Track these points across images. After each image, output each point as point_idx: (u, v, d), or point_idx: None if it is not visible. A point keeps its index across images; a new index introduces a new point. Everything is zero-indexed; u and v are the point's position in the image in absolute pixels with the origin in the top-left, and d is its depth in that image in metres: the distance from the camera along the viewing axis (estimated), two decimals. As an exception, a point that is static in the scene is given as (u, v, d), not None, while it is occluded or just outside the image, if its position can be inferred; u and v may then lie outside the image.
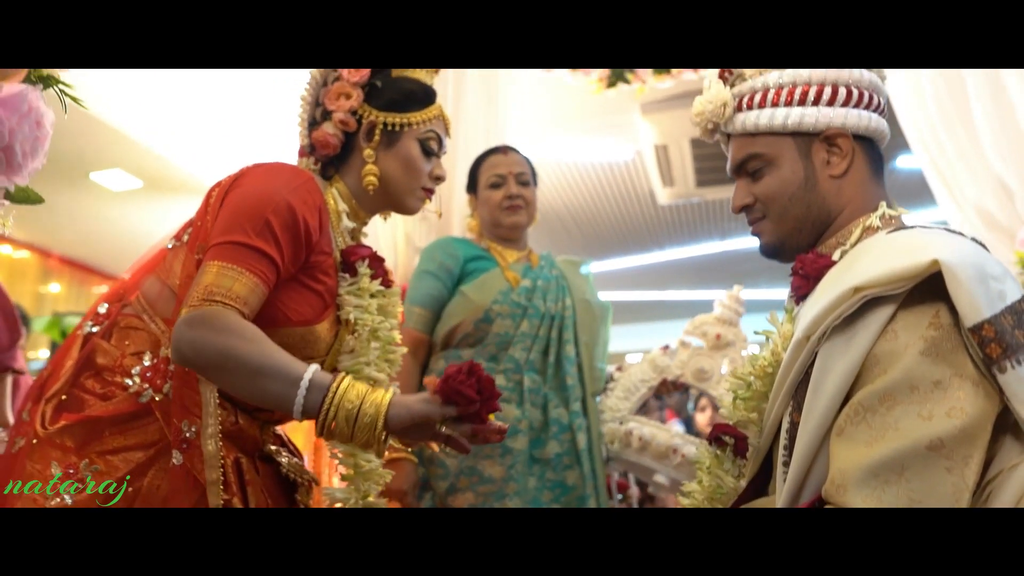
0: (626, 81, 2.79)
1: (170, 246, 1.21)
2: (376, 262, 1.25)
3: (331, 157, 1.25)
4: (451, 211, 2.37)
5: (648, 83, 2.85)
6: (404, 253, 2.36)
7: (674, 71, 2.80)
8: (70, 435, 1.05)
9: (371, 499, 1.20)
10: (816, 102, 1.03)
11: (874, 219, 1.04)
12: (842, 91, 1.03)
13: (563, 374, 1.84)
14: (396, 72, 1.25)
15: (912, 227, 0.98)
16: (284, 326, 1.14)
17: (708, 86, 1.11)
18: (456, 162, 2.42)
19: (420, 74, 1.28)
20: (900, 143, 2.20)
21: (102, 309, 1.19)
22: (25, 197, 0.80)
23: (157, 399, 1.08)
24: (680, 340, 1.91)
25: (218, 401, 1.11)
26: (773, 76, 1.06)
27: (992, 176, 1.88)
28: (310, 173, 1.22)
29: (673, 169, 4.39)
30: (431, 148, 1.25)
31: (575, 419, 1.81)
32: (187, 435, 1.06)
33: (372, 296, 1.23)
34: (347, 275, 1.22)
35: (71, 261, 4.62)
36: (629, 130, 4.06)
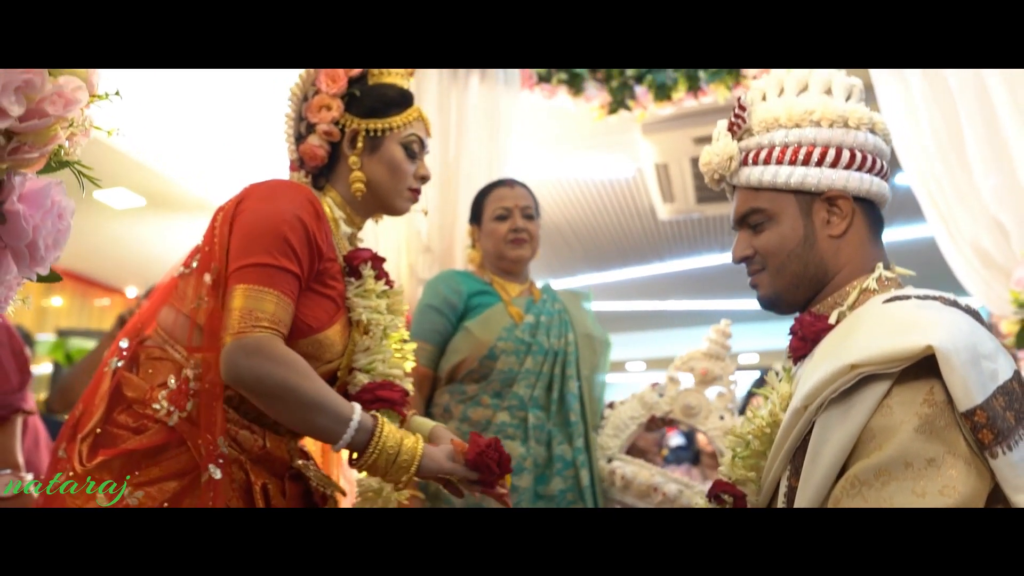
0: (627, 108, 2.81)
1: (179, 274, 1.25)
2: (378, 262, 1.32)
3: (320, 168, 1.31)
4: (454, 240, 2.40)
5: (649, 109, 2.87)
6: (408, 284, 2.38)
7: (674, 97, 2.82)
8: (108, 470, 1.09)
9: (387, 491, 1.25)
10: (819, 163, 1.06)
11: (871, 281, 1.07)
12: (845, 154, 1.06)
13: (566, 410, 1.86)
14: (373, 79, 1.31)
15: (908, 297, 1.00)
16: (307, 335, 1.19)
17: (717, 137, 1.13)
18: (459, 183, 2.45)
19: (396, 78, 1.34)
20: (898, 166, 2.22)
21: (124, 344, 1.23)
22: (44, 277, 0.82)
23: (182, 417, 1.13)
24: (668, 376, 1.93)
25: (245, 425, 1.17)
26: (779, 134, 1.09)
27: (988, 216, 1.90)
28: (306, 186, 1.27)
29: (674, 186, 4.42)
30: (413, 150, 1.31)
31: (578, 455, 1.83)
32: (224, 450, 1.11)
33: (379, 296, 1.29)
34: (352, 279, 1.28)
35: (73, 274, 4.65)
36: (630, 149, 4.09)
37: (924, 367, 0.87)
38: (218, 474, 1.09)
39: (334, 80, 1.29)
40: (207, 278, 1.17)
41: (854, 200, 1.07)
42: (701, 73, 2.73)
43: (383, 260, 1.33)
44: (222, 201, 1.26)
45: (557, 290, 2.05)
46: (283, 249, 1.14)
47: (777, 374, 1.12)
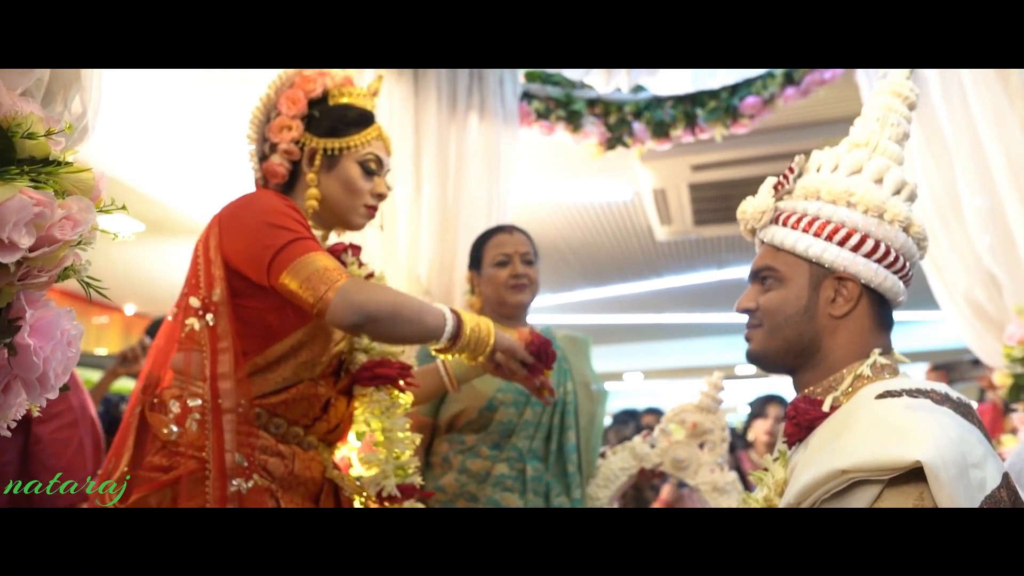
0: (625, 145, 2.83)
1: (172, 315, 1.30)
2: (356, 251, 1.41)
3: (282, 186, 1.37)
4: (453, 283, 2.41)
5: (647, 144, 2.89)
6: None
7: (672, 134, 2.84)
8: (143, 505, 1.15)
9: (403, 458, 1.32)
10: (841, 243, 1.08)
11: (865, 368, 1.08)
12: (869, 242, 1.07)
13: (564, 461, 1.87)
14: (333, 100, 1.37)
15: (900, 393, 1.01)
16: (310, 320, 1.26)
17: (761, 192, 1.16)
18: (459, 226, 2.46)
19: (357, 99, 1.40)
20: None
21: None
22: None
23: (182, 431, 1.19)
24: (660, 428, 1.94)
25: (275, 451, 1.23)
26: (814, 206, 1.10)
27: (982, 269, 1.92)
28: (274, 191, 1.35)
29: (671, 210, 4.44)
30: (370, 168, 1.36)
31: (576, 507, 1.84)
32: (242, 463, 1.17)
33: (365, 279, 1.36)
34: None
35: (71, 294, 4.68)
36: (628, 174, 4.11)
37: (914, 472, 0.89)
38: (245, 487, 1.15)
39: (294, 102, 1.35)
40: (193, 301, 1.24)
41: (864, 288, 1.08)
42: (699, 111, 2.75)
43: (360, 248, 1.42)
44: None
45: (557, 335, 2.06)
46: (291, 225, 1.22)
47: (774, 458, 1.14)
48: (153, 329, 2.85)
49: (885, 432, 0.93)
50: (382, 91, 2.47)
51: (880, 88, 1.15)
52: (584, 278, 6.31)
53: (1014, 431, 1.85)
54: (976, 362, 2.15)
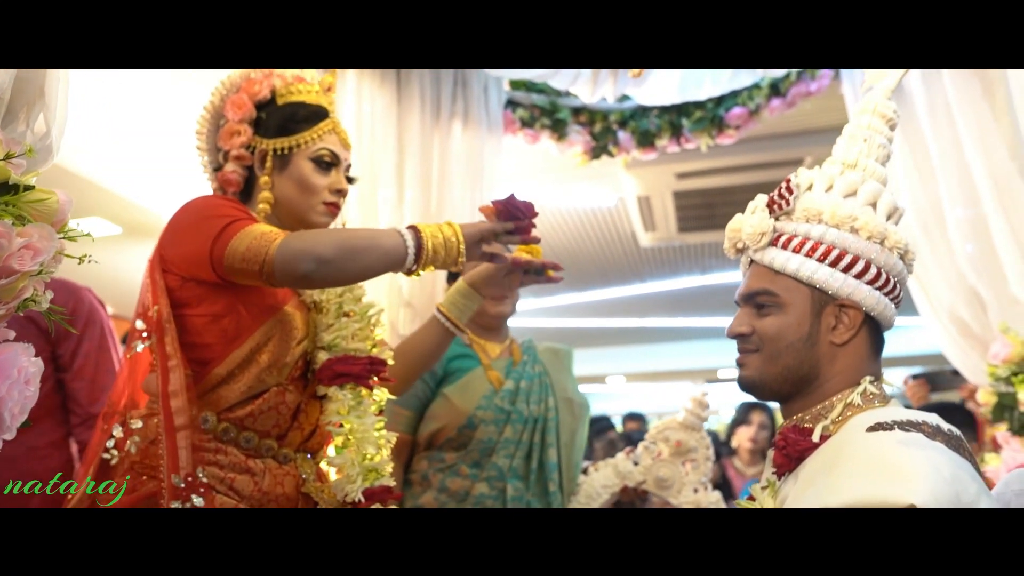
0: (610, 154, 2.81)
1: (131, 354, 1.28)
2: None
3: (238, 193, 1.35)
4: (435, 295, 2.37)
5: (632, 153, 2.87)
6: (389, 340, 2.35)
7: (658, 144, 2.82)
8: None
9: (367, 462, 1.25)
10: (846, 270, 1.06)
11: (855, 397, 1.06)
12: (873, 269, 1.06)
13: (545, 479, 1.84)
14: (281, 99, 1.34)
15: (891, 426, 0.99)
16: (271, 315, 1.24)
17: (753, 210, 1.13)
18: (443, 218, 2.41)
19: (308, 96, 1.36)
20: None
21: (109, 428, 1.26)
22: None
23: (123, 455, 1.17)
24: (643, 446, 1.91)
25: (244, 468, 1.20)
26: (818, 230, 1.08)
27: (966, 287, 1.92)
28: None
29: (655, 217, 4.43)
30: (325, 162, 1.33)
31: (557, 526, 1.82)
32: (203, 479, 1.15)
33: None
34: None
35: (47, 296, 4.62)
36: (613, 180, 4.09)
37: None
38: (200, 502, 1.12)
39: (239, 107, 1.32)
40: (139, 324, 1.23)
41: (864, 315, 1.07)
42: (684, 121, 2.73)
43: None
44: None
45: (538, 347, 2.04)
46: (224, 211, 1.20)
47: (763, 488, 1.12)
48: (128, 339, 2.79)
49: (878, 470, 0.91)
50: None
51: (864, 107, 1.14)
52: (567, 283, 6.29)
53: (997, 449, 1.85)
54: (958, 372, 2.15)
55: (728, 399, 9.54)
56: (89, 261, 0.92)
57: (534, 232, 1.30)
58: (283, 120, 1.32)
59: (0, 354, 0.70)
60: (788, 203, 1.11)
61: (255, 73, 1.34)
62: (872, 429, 0.99)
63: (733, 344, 1.15)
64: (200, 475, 1.15)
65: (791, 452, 1.07)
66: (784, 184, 1.12)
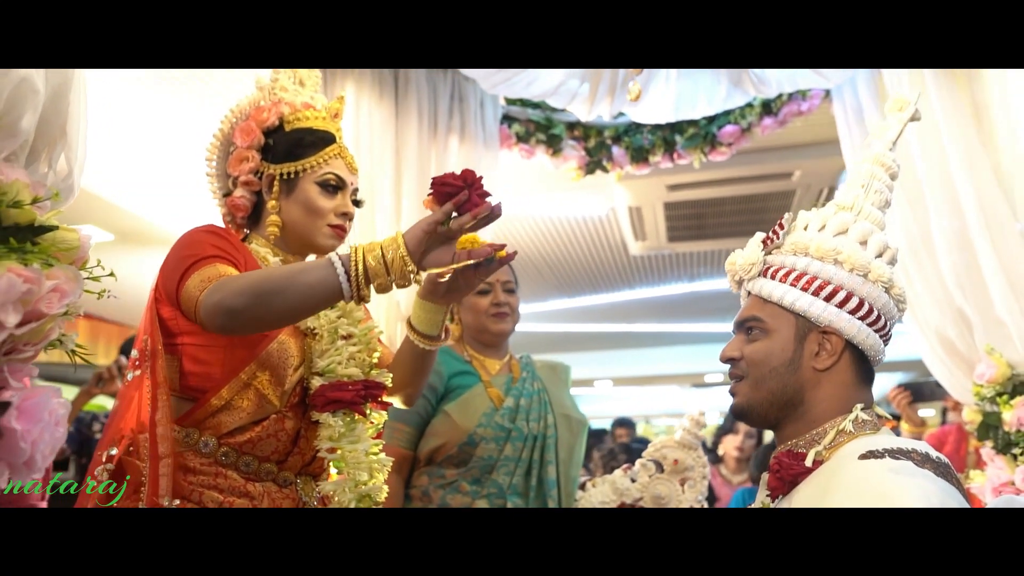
0: (604, 169, 2.84)
1: (130, 377, 1.28)
2: None
3: (247, 218, 1.37)
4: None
5: (626, 169, 2.91)
6: (386, 355, 2.37)
7: (651, 160, 2.86)
8: None
9: (362, 487, 1.24)
10: (827, 299, 1.11)
11: (847, 424, 1.10)
12: (854, 300, 1.11)
13: (544, 496, 1.87)
14: (289, 126, 1.36)
15: (882, 454, 1.02)
16: (263, 345, 1.23)
17: (750, 245, 1.19)
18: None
19: (316, 122, 1.38)
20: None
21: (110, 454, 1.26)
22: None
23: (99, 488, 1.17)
24: (640, 463, 1.94)
25: (242, 491, 1.21)
26: (803, 261, 1.14)
27: (953, 307, 1.96)
28: (216, 226, 1.32)
29: (646, 227, 4.47)
30: (331, 185, 1.34)
31: (554, 541, 1.84)
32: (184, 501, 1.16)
33: None
34: None
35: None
36: (604, 190, 4.13)
37: None
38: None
39: (248, 133, 1.35)
40: (134, 353, 1.23)
41: (846, 343, 1.11)
42: (677, 137, 2.77)
43: None
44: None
45: (536, 362, 2.06)
46: (205, 249, 1.19)
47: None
48: (126, 347, 2.79)
49: (869, 497, 0.94)
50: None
51: (865, 156, 1.19)
52: (557, 289, 6.33)
53: (982, 467, 1.89)
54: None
55: (714, 403, 9.61)
56: (109, 296, 0.95)
57: (487, 203, 1.11)
58: (290, 146, 1.34)
59: (30, 398, 0.72)
60: (779, 238, 1.18)
61: (264, 101, 1.37)
62: (864, 457, 1.03)
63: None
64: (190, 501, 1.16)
65: (785, 476, 1.11)
66: (779, 223, 1.19)
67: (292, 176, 1.33)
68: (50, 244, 0.82)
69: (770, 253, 1.18)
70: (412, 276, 1.09)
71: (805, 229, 1.18)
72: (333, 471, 1.36)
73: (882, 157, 1.19)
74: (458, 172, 1.09)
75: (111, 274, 0.86)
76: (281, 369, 1.25)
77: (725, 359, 1.18)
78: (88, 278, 0.84)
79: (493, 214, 1.09)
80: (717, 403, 9.76)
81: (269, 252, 1.34)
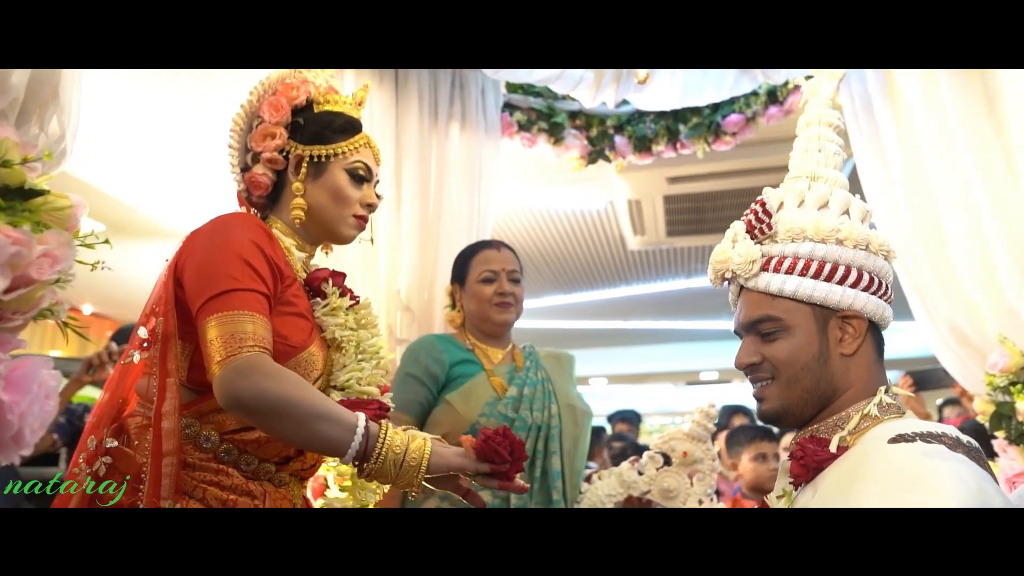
0: (607, 159, 2.80)
1: (127, 361, 1.21)
2: (339, 279, 1.31)
3: (265, 197, 1.30)
4: (434, 299, 2.35)
5: (628, 159, 2.87)
6: (387, 344, 2.33)
7: (654, 149, 2.82)
8: None
9: (369, 506, 1.25)
10: (841, 282, 1.08)
11: (872, 408, 1.07)
12: (865, 276, 1.08)
13: (549, 487, 1.82)
14: (319, 107, 1.31)
15: (913, 438, 0.99)
16: (291, 356, 1.17)
17: (734, 238, 1.13)
18: (439, 240, 2.41)
19: (343, 107, 1.33)
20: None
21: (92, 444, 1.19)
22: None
23: (94, 472, 1.09)
24: (648, 455, 1.89)
25: (245, 490, 1.16)
26: (805, 247, 1.09)
27: (964, 297, 1.93)
28: (252, 215, 1.28)
29: (645, 221, 4.44)
30: (359, 175, 1.30)
31: (559, 534, 1.80)
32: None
33: (346, 312, 1.28)
34: (318, 299, 1.27)
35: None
36: (604, 183, 4.09)
37: None
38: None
39: (277, 109, 1.28)
40: (142, 332, 1.13)
41: (867, 322, 1.08)
42: (681, 126, 2.73)
43: (343, 276, 1.32)
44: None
45: (540, 351, 2.02)
46: (245, 272, 1.11)
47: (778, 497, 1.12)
48: (119, 336, 2.73)
49: (905, 481, 0.90)
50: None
51: (809, 118, 1.17)
52: (554, 284, 6.29)
53: (994, 457, 1.86)
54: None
55: (708, 401, 9.56)
56: (103, 268, 0.90)
57: (521, 484, 1.10)
58: (320, 128, 1.29)
59: (19, 368, 0.67)
60: (769, 226, 1.11)
61: (291, 78, 1.31)
62: (894, 441, 0.99)
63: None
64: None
65: (808, 462, 1.07)
66: (759, 208, 1.12)
67: (322, 159, 1.28)
68: (41, 206, 0.77)
69: (762, 243, 1.12)
70: (416, 489, 1.07)
71: (781, 207, 1.13)
72: (328, 475, 1.32)
73: (825, 116, 1.16)
74: (502, 436, 1.07)
75: (106, 241, 0.82)
76: (304, 378, 1.18)
77: (743, 366, 1.12)
78: (81, 244, 0.79)
79: (519, 491, 1.11)
80: (711, 401, 9.73)
81: (293, 243, 1.28)
